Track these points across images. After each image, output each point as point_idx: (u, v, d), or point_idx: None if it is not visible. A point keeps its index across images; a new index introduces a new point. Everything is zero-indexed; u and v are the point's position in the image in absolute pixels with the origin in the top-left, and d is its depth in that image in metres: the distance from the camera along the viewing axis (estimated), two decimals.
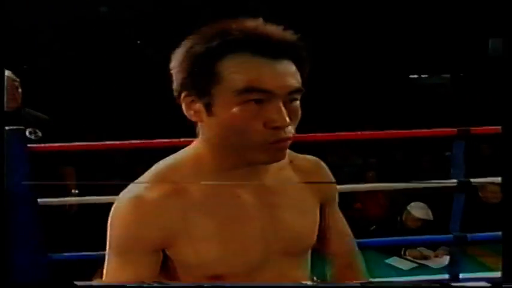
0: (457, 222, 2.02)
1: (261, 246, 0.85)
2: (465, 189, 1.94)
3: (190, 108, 0.81)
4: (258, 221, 0.85)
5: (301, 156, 0.95)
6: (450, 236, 2.01)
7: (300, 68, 0.80)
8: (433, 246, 3.33)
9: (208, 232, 0.82)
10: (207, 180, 0.83)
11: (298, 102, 0.80)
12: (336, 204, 1.00)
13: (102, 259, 0.89)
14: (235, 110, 0.76)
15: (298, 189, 0.91)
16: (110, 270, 0.85)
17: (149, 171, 0.86)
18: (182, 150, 0.89)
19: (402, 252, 3.26)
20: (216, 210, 0.83)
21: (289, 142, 0.81)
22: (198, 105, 0.80)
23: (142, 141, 2.03)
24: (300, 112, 0.81)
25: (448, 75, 12.68)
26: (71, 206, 2.62)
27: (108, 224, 0.85)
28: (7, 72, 2.46)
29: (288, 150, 0.84)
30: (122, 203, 0.84)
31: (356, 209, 4.44)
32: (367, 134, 2.24)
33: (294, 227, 0.88)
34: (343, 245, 1.01)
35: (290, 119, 0.78)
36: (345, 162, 5.09)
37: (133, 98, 7.30)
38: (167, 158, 0.88)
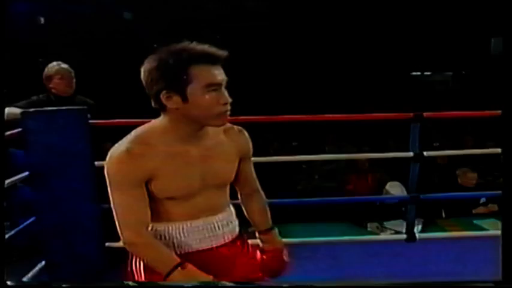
0: (413, 185, 2.64)
1: (200, 180, 1.33)
2: (419, 160, 2.55)
3: (169, 101, 1.25)
4: (197, 166, 1.32)
5: (231, 126, 1.41)
6: (408, 196, 2.62)
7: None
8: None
9: (169, 171, 1.29)
10: (170, 141, 1.29)
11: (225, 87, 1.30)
12: (250, 160, 1.48)
13: None
14: (204, 96, 1.24)
15: (226, 147, 1.38)
16: (115, 205, 1.29)
17: (130, 134, 1.30)
18: (149, 123, 1.33)
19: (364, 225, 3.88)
20: (174, 159, 1.29)
21: (229, 113, 1.29)
22: (175, 98, 1.24)
23: None
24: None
25: (450, 73, 13.14)
26: None
27: (106, 171, 1.28)
28: (64, 65, 3.08)
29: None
30: (115, 154, 1.27)
31: (348, 190, 5.04)
32: (330, 116, 2.91)
33: (221, 170, 1.37)
34: (249, 182, 1.52)
35: (229, 98, 1.28)
36: (340, 151, 5.63)
37: None
38: (141, 127, 1.32)
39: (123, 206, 1.28)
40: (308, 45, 9.53)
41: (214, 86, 1.25)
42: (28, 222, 2.56)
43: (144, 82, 1.28)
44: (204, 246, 1.36)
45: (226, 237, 1.41)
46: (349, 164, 5.46)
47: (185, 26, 7.46)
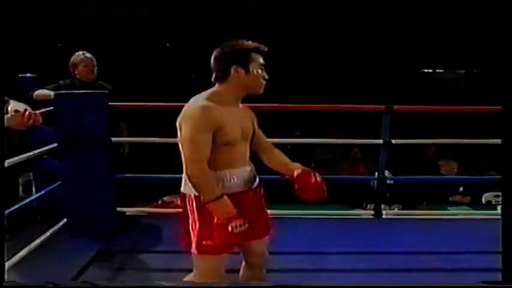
0: (382, 168, 3.08)
1: (240, 132, 1.84)
2: (388, 146, 2.99)
3: (236, 72, 1.81)
4: (239, 122, 1.84)
5: (245, 106, 1.97)
6: (376, 177, 3.05)
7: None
8: (390, 202, 4.37)
9: (229, 121, 1.79)
10: (226, 101, 1.82)
11: None
12: (257, 126, 1.99)
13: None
14: (258, 72, 1.83)
15: (246, 115, 1.94)
16: (188, 143, 1.75)
17: (201, 95, 1.83)
18: (210, 90, 1.86)
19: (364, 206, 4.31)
20: (230, 115, 1.81)
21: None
22: (241, 71, 1.81)
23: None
24: None
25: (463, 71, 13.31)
26: (124, 149, 3.76)
27: (189, 115, 1.77)
28: (88, 54, 3.56)
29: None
30: (196, 106, 1.77)
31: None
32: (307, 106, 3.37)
33: (249, 126, 1.91)
34: (264, 140, 2.03)
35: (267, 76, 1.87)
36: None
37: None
38: (206, 92, 1.85)
39: (196, 144, 1.75)
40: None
41: (262, 67, 1.86)
42: (53, 186, 3.06)
43: (215, 62, 1.85)
44: (243, 188, 1.85)
45: (254, 184, 1.91)
46: (343, 153, 5.89)
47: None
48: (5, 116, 2.16)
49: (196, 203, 1.81)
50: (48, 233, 2.90)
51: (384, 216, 3.27)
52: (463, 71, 13.37)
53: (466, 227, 3.37)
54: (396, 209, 4.06)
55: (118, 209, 3.13)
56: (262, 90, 1.87)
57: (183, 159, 1.80)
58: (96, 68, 3.57)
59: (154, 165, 4.78)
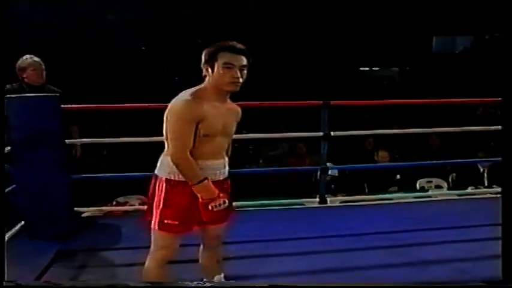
0: (324, 159, 3.35)
1: (221, 127, 2.00)
2: (327, 138, 3.26)
3: (206, 71, 1.98)
4: (221, 117, 2.00)
5: (234, 104, 2.14)
6: (318, 167, 3.32)
7: (248, 59, 2.02)
8: (335, 192, 4.68)
9: (211, 115, 1.95)
10: (209, 96, 1.98)
11: (245, 70, 2.00)
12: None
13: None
14: (222, 70, 1.95)
15: (232, 113, 2.10)
16: (174, 133, 1.94)
17: (187, 91, 1.98)
18: (197, 86, 2.01)
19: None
20: (212, 110, 1.96)
21: (239, 84, 1.98)
22: (209, 70, 1.97)
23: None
24: (245, 74, 2.01)
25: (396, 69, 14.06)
26: (76, 151, 3.79)
27: (175, 109, 1.94)
28: (36, 58, 3.57)
29: (231, 102, 2.10)
30: (181, 101, 1.94)
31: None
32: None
33: (231, 124, 2.08)
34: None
35: (241, 76, 1.98)
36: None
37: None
38: (192, 88, 2.00)
39: (180, 133, 1.94)
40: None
41: (228, 65, 1.96)
42: (9, 189, 3.06)
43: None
44: (212, 179, 2.01)
45: (221, 176, 2.08)
46: (290, 149, 6.17)
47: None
48: None
49: (165, 185, 2.00)
50: (6, 237, 2.90)
51: (328, 204, 3.53)
52: (397, 69, 14.15)
53: (402, 209, 3.73)
54: (341, 196, 4.37)
55: (75, 208, 3.19)
56: (233, 88, 2.00)
57: (166, 146, 2.02)
58: (44, 71, 3.59)
59: (106, 167, 4.82)
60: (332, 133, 3.31)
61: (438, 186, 5.14)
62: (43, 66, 3.58)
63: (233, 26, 9.49)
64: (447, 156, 5.22)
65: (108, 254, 2.96)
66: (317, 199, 3.51)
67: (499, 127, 2.97)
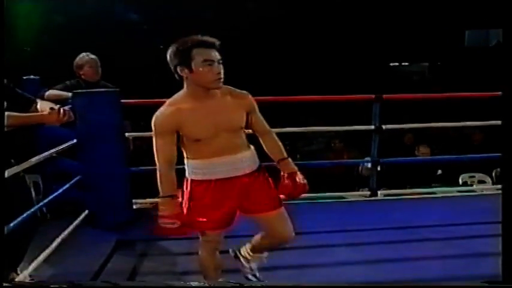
0: (374, 152, 3.38)
1: (214, 126, 1.92)
2: (379, 131, 3.28)
3: (182, 72, 1.88)
4: (211, 116, 1.92)
5: (236, 90, 2.03)
6: (369, 159, 3.35)
7: (219, 52, 1.92)
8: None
9: (191, 121, 1.90)
10: (192, 102, 1.91)
11: (222, 63, 1.90)
12: (257, 111, 2.08)
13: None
14: (203, 68, 1.86)
15: (231, 103, 1.98)
16: (156, 145, 1.94)
17: (168, 100, 1.94)
18: (178, 92, 1.96)
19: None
20: (194, 112, 1.90)
21: (222, 79, 1.90)
22: (186, 70, 1.87)
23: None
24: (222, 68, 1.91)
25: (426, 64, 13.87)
26: (130, 145, 3.92)
27: (154, 123, 1.92)
28: (93, 56, 3.71)
29: (231, 88, 2.00)
30: (160, 113, 1.92)
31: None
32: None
33: (228, 118, 1.96)
34: (260, 125, 2.10)
35: (220, 71, 1.89)
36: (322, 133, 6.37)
37: None
38: (174, 95, 1.96)
39: (157, 147, 1.95)
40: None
41: (209, 62, 1.88)
42: (70, 184, 3.18)
43: (168, 62, 1.93)
44: (229, 175, 1.99)
45: (246, 170, 2.03)
46: (327, 145, 6.20)
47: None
48: (41, 114, 2.31)
49: (190, 185, 2.02)
50: (70, 228, 3.03)
51: (378, 197, 3.56)
52: (427, 64, 13.96)
53: (451, 202, 3.73)
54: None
55: (133, 200, 3.30)
56: (217, 85, 1.91)
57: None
58: (100, 68, 3.73)
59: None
60: (384, 126, 3.34)
61: (481, 181, 5.10)
62: (99, 63, 3.71)
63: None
64: (490, 151, 5.16)
65: (166, 244, 3.04)
66: (367, 192, 3.54)
67: None
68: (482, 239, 2.96)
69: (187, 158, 2.02)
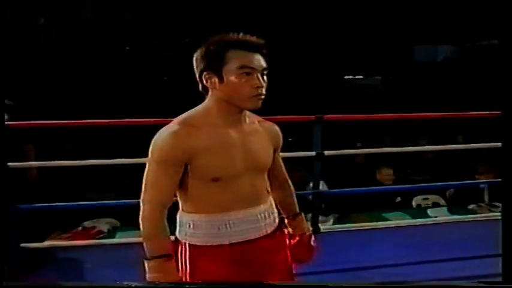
0: (317, 181, 2.90)
1: (241, 162, 1.40)
2: (320, 158, 2.81)
3: (208, 82, 1.37)
4: (239, 148, 1.40)
5: (266, 121, 1.54)
6: (310, 191, 2.88)
7: (265, 59, 1.40)
8: (325, 212, 4.22)
9: (213, 149, 1.36)
10: (213, 122, 1.38)
11: (266, 75, 1.39)
12: (279, 153, 1.59)
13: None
14: (237, 77, 1.34)
15: (262, 135, 1.48)
16: (149, 174, 1.38)
17: (178, 118, 1.40)
18: (196, 107, 1.43)
19: None
20: (217, 140, 1.38)
21: (263, 96, 1.38)
22: (214, 79, 1.36)
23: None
24: (266, 81, 1.39)
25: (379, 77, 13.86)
26: (31, 174, 3.29)
27: (152, 146, 1.38)
28: None
29: (258, 117, 1.49)
30: (162, 134, 1.36)
31: None
32: None
33: (260, 153, 1.46)
34: (280, 173, 1.62)
35: (263, 83, 1.37)
36: None
37: None
38: (188, 111, 1.43)
39: (153, 181, 1.38)
40: None
41: (246, 69, 1.35)
42: None
43: (194, 68, 1.42)
44: (247, 237, 1.43)
45: (268, 229, 1.48)
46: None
47: None
48: None
49: (189, 252, 1.44)
50: None
51: (321, 231, 3.09)
52: (380, 78, 13.95)
53: (404, 235, 3.32)
54: (332, 219, 3.92)
55: (22, 244, 2.68)
56: (255, 104, 1.38)
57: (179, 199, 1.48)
58: None
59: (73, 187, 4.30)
60: (326, 152, 2.86)
61: (436, 203, 4.75)
62: None
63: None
64: (444, 169, 4.85)
65: None
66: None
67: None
68: None
69: (183, 210, 1.46)
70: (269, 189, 1.55)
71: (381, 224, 3.47)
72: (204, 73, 1.38)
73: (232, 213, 1.41)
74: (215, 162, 1.37)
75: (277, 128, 1.56)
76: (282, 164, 1.63)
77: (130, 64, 9.05)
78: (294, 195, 1.68)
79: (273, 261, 1.50)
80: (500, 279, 1.22)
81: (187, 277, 1.44)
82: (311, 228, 3.03)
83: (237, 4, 8.56)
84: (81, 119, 2.89)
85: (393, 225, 3.48)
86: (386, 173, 4.82)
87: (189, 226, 1.43)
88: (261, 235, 1.46)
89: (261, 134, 1.48)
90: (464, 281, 2.24)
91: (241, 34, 1.38)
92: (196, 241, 1.43)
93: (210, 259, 1.41)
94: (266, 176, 1.52)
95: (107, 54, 8.74)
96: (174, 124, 1.39)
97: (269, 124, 1.54)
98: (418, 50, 13.31)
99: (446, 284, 1.91)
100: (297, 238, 1.62)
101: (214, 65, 1.36)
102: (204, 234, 1.42)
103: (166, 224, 1.40)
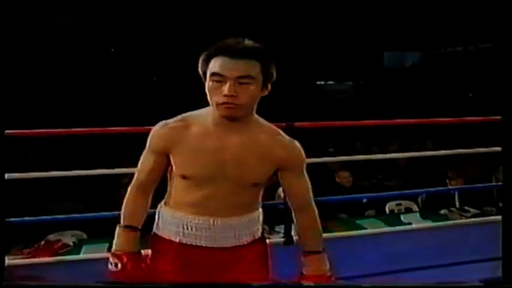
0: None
1: (216, 169, 1.38)
2: None
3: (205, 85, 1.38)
4: (220, 155, 1.38)
5: (283, 136, 1.47)
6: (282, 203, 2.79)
7: (263, 66, 1.36)
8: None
9: (186, 149, 1.40)
10: (207, 123, 1.40)
11: (249, 83, 1.33)
12: (298, 172, 1.48)
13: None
14: (209, 85, 1.35)
15: (262, 149, 1.41)
16: (142, 158, 1.49)
17: (183, 114, 1.46)
18: (204, 108, 1.44)
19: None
20: (197, 141, 1.40)
21: (235, 106, 1.33)
22: (205, 83, 1.37)
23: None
24: (250, 90, 1.33)
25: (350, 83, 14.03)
26: None
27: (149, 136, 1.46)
28: None
29: (278, 130, 1.45)
30: (157, 126, 1.46)
31: None
32: None
33: (246, 167, 1.40)
34: (296, 196, 1.52)
35: (237, 93, 1.31)
36: None
37: None
38: (196, 110, 1.47)
39: (140, 163, 1.50)
40: None
41: (217, 77, 1.33)
42: None
43: None
44: (200, 243, 1.44)
45: (229, 243, 1.46)
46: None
47: None
48: None
49: (151, 242, 1.54)
50: None
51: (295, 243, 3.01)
52: (351, 83, 14.10)
53: (378, 243, 3.29)
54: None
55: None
56: (224, 113, 1.35)
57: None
58: None
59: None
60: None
61: (408, 209, 4.77)
62: None
63: None
64: (415, 174, 4.88)
65: None
66: (281, 237, 2.98)
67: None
68: None
69: (164, 202, 1.53)
70: (258, 206, 1.53)
71: (358, 233, 3.41)
72: (203, 79, 1.41)
73: (193, 217, 1.43)
74: (185, 159, 1.40)
75: (296, 148, 1.47)
76: (301, 186, 1.51)
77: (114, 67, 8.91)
78: (318, 226, 1.54)
79: (223, 274, 1.46)
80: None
81: (150, 263, 1.49)
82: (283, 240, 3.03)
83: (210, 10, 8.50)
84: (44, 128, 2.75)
85: (371, 233, 3.45)
86: (343, 176, 4.84)
87: (158, 215, 1.53)
88: (217, 246, 1.45)
89: (261, 148, 1.42)
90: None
91: (240, 39, 1.36)
92: (157, 231, 1.51)
93: (162, 250, 1.48)
94: (256, 192, 1.49)
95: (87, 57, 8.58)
96: (174, 118, 1.46)
97: (286, 142, 1.46)
98: (388, 56, 13.58)
99: (446, 284, 1.86)
100: (310, 281, 1.49)
101: (203, 71, 1.39)
102: (163, 226, 1.49)
103: (143, 203, 1.50)
